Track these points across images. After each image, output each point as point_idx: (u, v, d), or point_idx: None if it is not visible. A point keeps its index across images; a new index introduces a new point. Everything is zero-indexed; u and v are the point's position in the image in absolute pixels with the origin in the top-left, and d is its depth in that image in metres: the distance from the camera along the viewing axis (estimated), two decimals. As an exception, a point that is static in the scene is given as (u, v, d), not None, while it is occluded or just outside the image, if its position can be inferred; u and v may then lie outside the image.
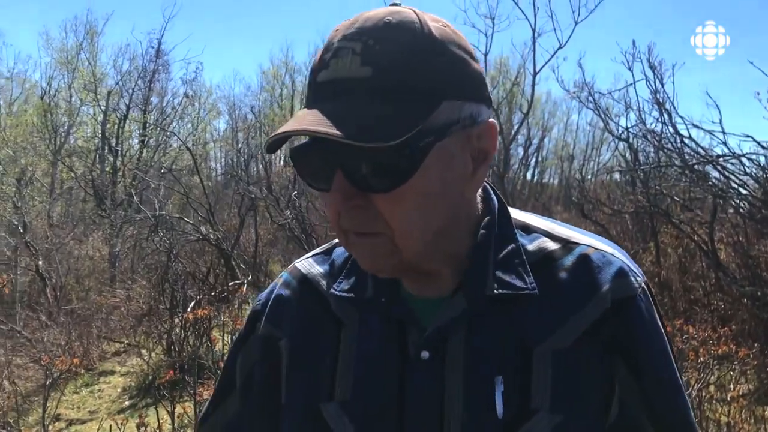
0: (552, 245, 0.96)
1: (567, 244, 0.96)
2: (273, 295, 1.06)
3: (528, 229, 0.99)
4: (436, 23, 0.85)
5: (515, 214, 1.00)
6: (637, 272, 0.95)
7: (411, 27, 0.82)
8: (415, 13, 0.84)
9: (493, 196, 0.98)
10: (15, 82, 25.55)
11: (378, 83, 0.80)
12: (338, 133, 0.75)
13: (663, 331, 0.95)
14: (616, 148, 12.47)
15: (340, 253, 1.05)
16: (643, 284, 0.94)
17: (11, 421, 6.32)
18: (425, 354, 0.90)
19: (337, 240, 1.06)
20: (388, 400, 0.91)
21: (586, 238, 0.97)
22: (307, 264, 1.07)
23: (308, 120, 0.79)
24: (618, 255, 0.96)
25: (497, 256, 0.93)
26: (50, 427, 6.45)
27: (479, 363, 0.89)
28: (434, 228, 0.87)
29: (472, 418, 0.88)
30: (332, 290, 0.99)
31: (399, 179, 0.81)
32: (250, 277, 10.87)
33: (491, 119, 0.90)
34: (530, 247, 0.96)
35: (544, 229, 0.99)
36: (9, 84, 25.38)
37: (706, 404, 4.72)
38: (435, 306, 0.93)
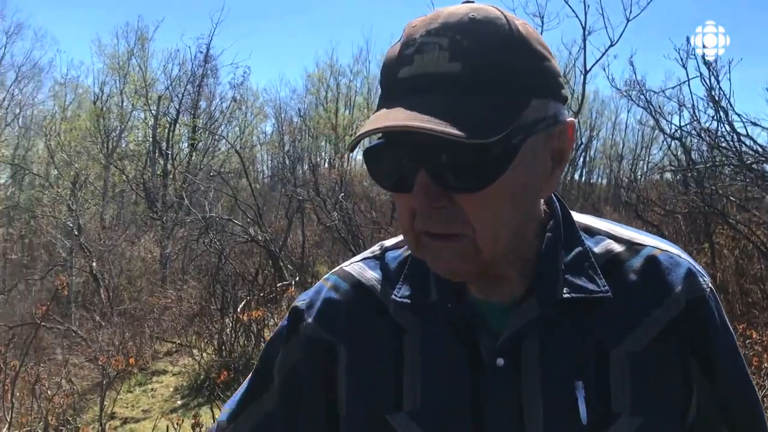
0: (618, 247, 0.95)
1: (632, 246, 0.95)
2: (322, 297, 1.02)
3: (591, 231, 0.97)
4: (518, 20, 0.83)
5: (575, 216, 0.98)
6: (703, 273, 0.94)
7: (497, 23, 0.80)
8: (498, 9, 0.82)
9: (555, 198, 0.96)
10: (69, 88, 26.38)
11: (469, 79, 0.77)
12: (444, 129, 0.73)
13: (731, 329, 0.95)
14: (669, 147, 12.17)
15: (393, 257, 1.02)
16: (710, 284, 0.93)
17: (69, 418, 6.46)
18: (500, 361, 0.88)
19: (388, 242, 1.05)
20: (462, 408, 0.88)
21: (650, 239, 0.96)
22: (359, 268, 1.03)
23: (403, 116, 0.76)
24: (683, 256, 0.95)
25: (566, 259, 0.91)
26: (106, 425, 6.58)
27: (557, 368, 0.87)
28: (515, 229, 0.85)
29: (554, 425, 0.86)
30: (393, 296, 0.95)
31: (489, 178, 0.79)
32: (297, 278, 10.95)
33: (570, 119, 0.88)
34: (596, 249, 0.94)
35: (607, 231, 0.97)
36: (63, 90, 26.16)
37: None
38: (504, 311, 0.90)
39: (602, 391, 0.87)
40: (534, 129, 0.82)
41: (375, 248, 1.06)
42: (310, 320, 1.01)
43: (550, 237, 0.92)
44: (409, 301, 0.94)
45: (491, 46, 0.79)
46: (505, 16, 0.81)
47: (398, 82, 0.81)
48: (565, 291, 0.89)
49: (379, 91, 0.86)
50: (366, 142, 0.85)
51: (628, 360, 0.88)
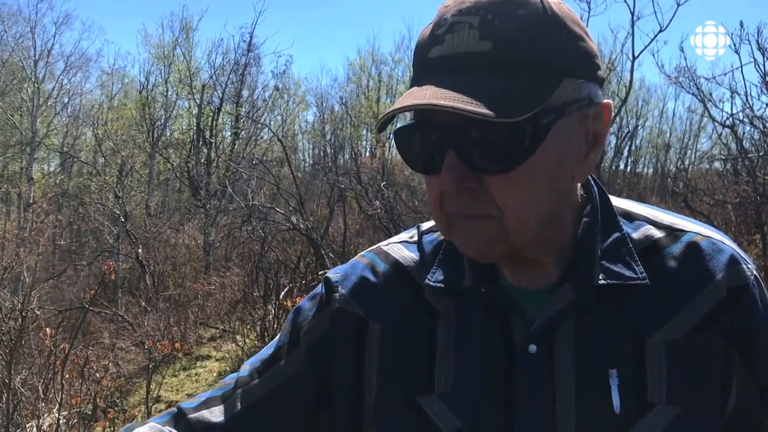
0: (657, 233, 0.92)
1: (673, 232, 0.92)
2: (358, 273, 1.01)
3: (630, 217, 0.94)
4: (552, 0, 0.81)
5: (615, 201, 0.96)
6: (747, 260, 0.91)
7: (529, 2, 0.79)
8: None
9: (593, 183, 0.94)
10: (116, 78, 26.80)
11: (499, 58, 0.77)
12: (470, 108, 0.73)
13: None
14: (719, 135, 11.88)
15: (429, 240, 1.01)
16: (755, 272, 0.90)
17: (117, 401, 6.60)
18: (533, 347, 0.87)
19: (424, 226, 1.04)
20: (494, 393, 0.87)
21: (692, 225, 0.94)
22: (398, 249, 1.03)
23: (429, 94, 0.76)
24: (727, 242, 0.92)
25: (603, 244, 0.89)
26: (152, 408, 6.70)
27: (590, 356, 0.86)
28: (545, 213, 0.84)
29: (586, 414, 0.84)
30: (426, 280, 0.95)
31: (517, 159, 0.78)
32: (339, 267, 10.96)
33: (606, 100, 0.86)
34: (635, 235, 0.92)
35: (647, 216, 0.95)
36: (110, 79, 26.63)
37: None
38: (538, 297, 0.89)
39: (638, 380, 0.85)
40: (565, 110, 0.80)
41: (412, 231, 1.05)
42: (344, 293, 1.00)
43: (586, 222, 0.90)
44: (442, 285, 0.93)
45: (522, 25, 0.77)
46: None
47: (429, 62, 0.81)
48: (600, 277, 0.87)
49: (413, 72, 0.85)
50: (398, 123, 0.84)
51: (666, 349, 0.86)
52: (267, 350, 1.06)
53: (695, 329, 0.86)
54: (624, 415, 0.83)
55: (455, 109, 0.73)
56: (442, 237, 0.98)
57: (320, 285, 1.05)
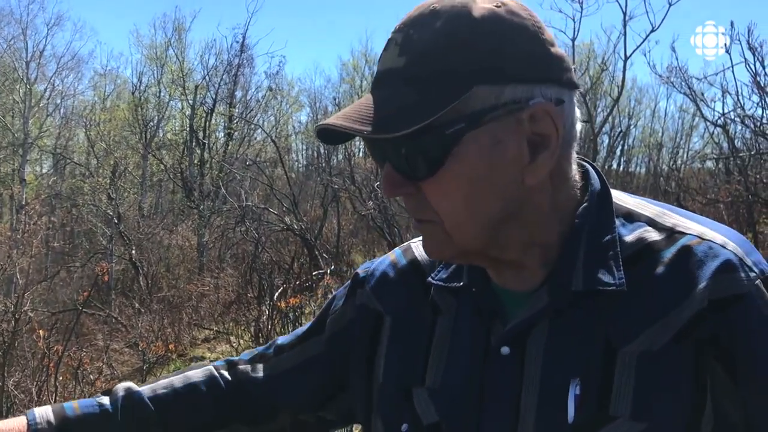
0: (655, 235, 0.86)
1: (672, 234, 0.86)
2: (381, 270, 1.07)
3: (631, 217, 0.89)
4: (489, 4, 0.80)
5: (622, 199, 0.92)
6: (751, 266, 0.82)
7: (452, 11, 0.79)
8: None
9: (594, 181, 0.90)
10: (108, 79, 26.72)
11: (410, 72, 0.79)
12: (356, 127, 0.78)
13: None
14: (711, 134, 11.92)
15: None
16: (756, 281, 0.81)
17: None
18: (505, 349, 0.87)
19: None
20: (470, 392, 0.89)
21: (697, 226, 0.86)
22: (420, 246, 1.05)
23: (342, 114, 0.82)
24: (731, 245, 0.83)
25: (589, 247, 0.86)
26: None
27: (557, 363, 0.84)
28: (487, 216, 0.83)
29: (544, 421, 0.83)
30: (430, 278, 0.98)
31: (432, 166, 0.80)
32: (332, 267, 10.98)
33: (549, 101, 0.81)
34: (629, 237, 0.87)
35: (650, 217, 0.89)
36: (103, 81, 26.55)
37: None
38: (521, 299, 0.88)
39: (602, 392, 0.81)
40: (482, 117, 0.78)
41: None
42: (367, 288, 1.06)
43: (576, 224, 0.87)
44: (442, 283, 0.96)
45: (436, 37, 0.79)
46: (468, 3, 0.79)
47: (373, 78, 0.86)
48: (576, 282, 0.84)
49: None
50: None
51: (638, 361, 0.81)
52: (303, 328, 1.16)
53: (672, 342, 0.80)
54: (578, 425, 0.81)
55: (341, 128, 0.79)
56: None
57: (350, 279, 1.13)
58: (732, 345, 0.80)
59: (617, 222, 0.88)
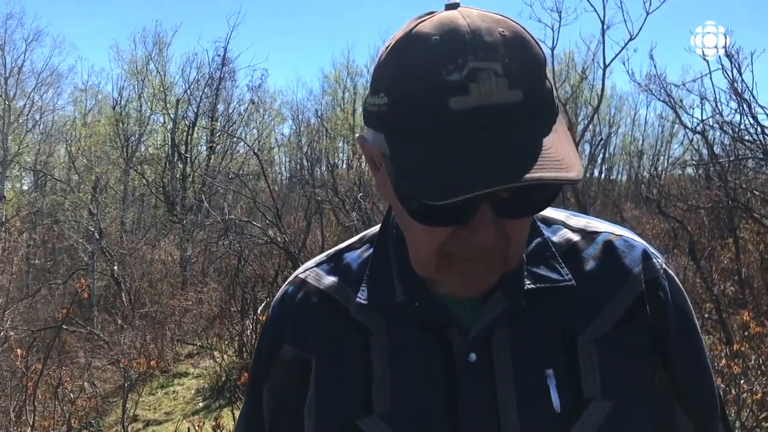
0: (573, 236, 0.96)
1: (588, 234, 0.96)
2: (288, 316, 1.00)
3: (548, 221, 0.98)
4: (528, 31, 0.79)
5: None
6: (657, 254, 0.96)
7: (527, 39, 0.76)
8: (514, 21, 0.78)
9: None
10: (89, 94, 26.52)
11: (530, 108, 0.73)
12: (568, 176, 0.69)
13: (689, 311, 0.96)
14: (691, 141, 12.01)
15: (352, 258, 1.01)
16: (664, 265, 0.96)
17: (92, 421, 6.49)
18: (473, 356, 0.87)
19: (340, 245, 1.04)
20: (437, 406, 0.87)
21: (603, 225, 0.98)
22: (314, 275, 1.01)
23: (515, 166, 0.69)
24: (637, 238, 0.97)
25: (527, 250, 0.92)
26: (129, 427, 6.60)
27: (527, 359, 0.88)
28: None
29: (529, 416, 0.85)
30: (357, 299, 0.94)
31: (550, 200, 0.81)
32: (317, 280, 10.91)
33: None
34: (555, 239, 0.95)
35: (562, 220, 0.98)
36: (84, 96, 26.36)
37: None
38: (471, 306, 0.89)
39: (573, 378, 0.87)
40: None
41: (329, 251, 1.05)
42: (286, 346, 0.99)
43: None
44: (373, 302, 0.93)
45: (534, 68, 0.75)
46: (525, 30, 0.77)
47: (453, 114, 0.71)
48: (528, 282, 0.89)
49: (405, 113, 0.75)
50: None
51: (596, 345, 0.89)
52: (240, 418, 1.07)
53: (621, 323, 0.90)
54: (564, 413, 0.85)
55: (556, 180, 0.69)
56: (366, 254, 0.99)
57: (264, 336, 1.04)
58: (659, 323, 0.92)
59: (540, 226, 0.95)
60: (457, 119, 0.71)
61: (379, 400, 0.90)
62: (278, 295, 1.04)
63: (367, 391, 0.91)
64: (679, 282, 0.97)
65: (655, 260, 0.95)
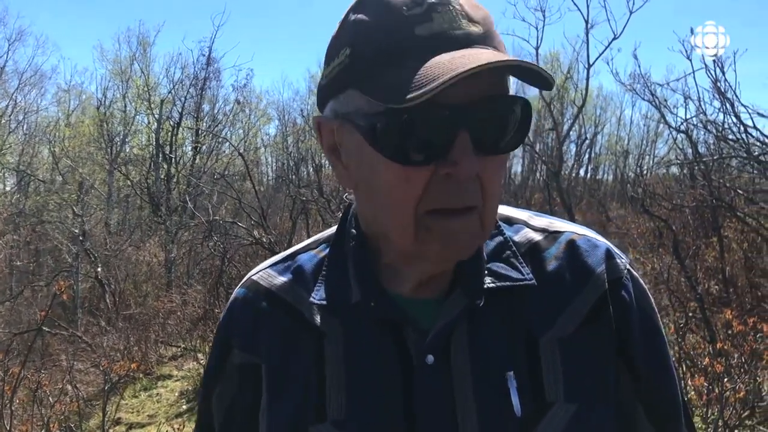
0: (536, 236, 0.94)
1: (550, 234, 0.94)
2: (238, 319, 0.97)
3: (510, 221, 0.96)
4: None
5: None
6: (621, 254, 0.94)
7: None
8: None
9: None
10: (72, 94, 26.35)
11: (491, 45, 0.76)
12: (510, 59, 0.71)
13: (653, 311, 0.94)
14: (675, 140, 12.07)
15: (306, 259, 0.97)
16: (628, 266, 0.93)
17: (73, 425, 6.42)
18: (430, 358, 0.84)
19: (296, 246, 1.01)
20: (393, 411, 0.84)
21: (566, 225, 0.97)
22: (266, 275, 0.98)
23: (488, 56, 0.72)
24: (600, 238, 0.95)
25: (487, 249, 0.90)
26: (111, 430, 6.53)
27: (487, 361, 0.85)
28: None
29: (489, 421, 0.82)
30: (311, 299, 0.90)
31: (523, 137, 0.79)
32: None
33: None
34: (516, 238, 0.93)
35: (525, 220, 0.97)
36: (67, 96, 26.16)
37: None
38: (429, 307, 0.87)
39: (535, 381, 0.85)
40: None
41: (284, 252, 1.01)
42: (236, 350, 0.95)
43: None
44: (328, 302, 0.89)
45: (491, 22, 0.78)
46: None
47: (418, 38, 0.74)
48: (488, 281, 0.87)
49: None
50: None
51: (558, 346, 0.86)
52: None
53: (584, 323, 0.87)
54: (525, 417, 0.82)
55: (530, 65, 0.72)
56: (322, 254, 0.96)
57: (215, 346, 1.01)
58: (620, 323, 0.89)
59: (502, 225, 0.94)
60: (424, 42, 0.73)
61: (333, 406, 0.86)
62: (231, 297, 1.00)
63: (321, 396, 0.87)
64: (644, 284, 0.95)
65: (618, 260, 0.93)
